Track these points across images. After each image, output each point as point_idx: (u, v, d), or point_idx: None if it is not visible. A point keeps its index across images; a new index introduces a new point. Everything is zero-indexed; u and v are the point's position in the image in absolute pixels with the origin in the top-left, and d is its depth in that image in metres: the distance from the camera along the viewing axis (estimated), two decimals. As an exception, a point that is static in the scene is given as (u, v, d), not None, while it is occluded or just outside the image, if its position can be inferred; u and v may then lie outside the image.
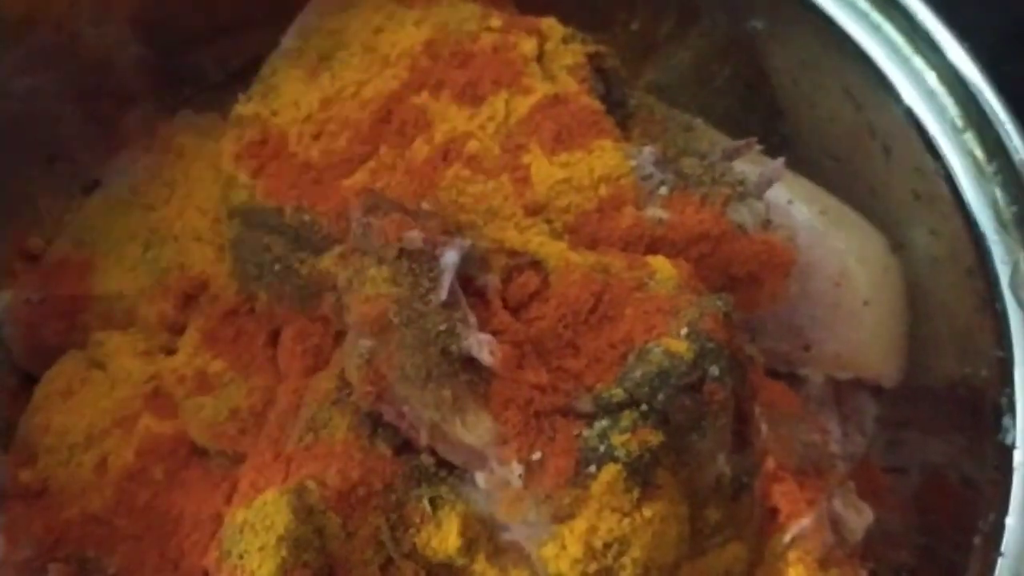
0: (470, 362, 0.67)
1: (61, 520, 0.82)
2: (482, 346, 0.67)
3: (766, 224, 0.79)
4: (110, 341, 0.86)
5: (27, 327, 0.88)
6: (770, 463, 0.77)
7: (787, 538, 0.77)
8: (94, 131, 0.97)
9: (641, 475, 0.67)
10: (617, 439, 0.67)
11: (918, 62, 0.84)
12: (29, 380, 0.88)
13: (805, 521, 0.77)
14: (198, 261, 0.87)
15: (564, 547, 0.68)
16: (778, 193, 0.84)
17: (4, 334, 0.89)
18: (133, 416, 0.82)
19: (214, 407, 0.81)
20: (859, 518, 0.81)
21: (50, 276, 0.89)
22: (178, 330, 0.86)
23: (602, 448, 0.67)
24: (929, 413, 0.88)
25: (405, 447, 0.72)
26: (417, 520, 0.71)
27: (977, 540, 0.77)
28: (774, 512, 0.77)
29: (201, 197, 0.89)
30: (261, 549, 0.69)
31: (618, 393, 0.68)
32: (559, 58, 0.83)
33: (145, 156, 0.94)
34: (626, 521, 0.67)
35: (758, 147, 0.83)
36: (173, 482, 0.81)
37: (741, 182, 0.79)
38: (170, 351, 0.85)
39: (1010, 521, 0.74)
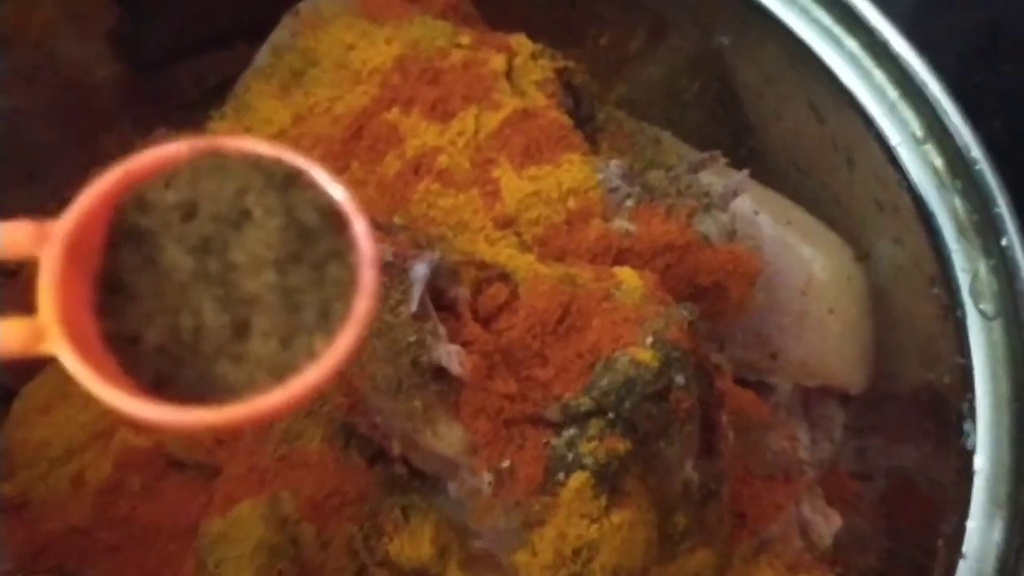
0: (440, 373, 0.68)
1: (41, 533, 0.82)
2: (452, 357, 0.68)
3: (731, 235, 0.80)
4: (88, 356, 0.86)
5: (5, 343, 0.89)
6: (739, 470, 0.78)
7: (756, 544, 0.78)
8: (72, 149, 0.98)
9: (609, 482, 0.68)
10: (585, 447, 0.68)
11: (879, 76, 0.85)
12: (8, 395, 0.89)
13: (774, 527, 0.78)
14: (175, 276, 0.88)
15: (535, 553, 0.69)
16: (745, 204, 0.85)
17: (-18, 350, 0.89)
18: (110, 429, 0.83)
19: (191, 419, 0.82)
20: (827, 524, 0.82)
21: (28, 292, 0.89)
22: (156, 344, 0.87)
23: (570, 456, 0.68)
24: (894, 419, 0.89)
25: (378, 457, 0.73)
26: (390, 529, 0.72)
27: (940, 543, 0.78)
28: (743, 518, 0.78)
29: (176, 213, 0.90)
30: (237, 558, 0.70)
31: (586, 402, 0.69)
32: (528, 74, 0.84)
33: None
34: (595, 527, 0.68)
35: (723, 159, 0.84)
36: (150, 494, 0.81)
37: (707, 194, 0.80)
38: (148, 365, 0.86)
39: (971, 524, 0.75)
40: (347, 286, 0.50)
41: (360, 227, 0.50)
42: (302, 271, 0.50)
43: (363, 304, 0.49)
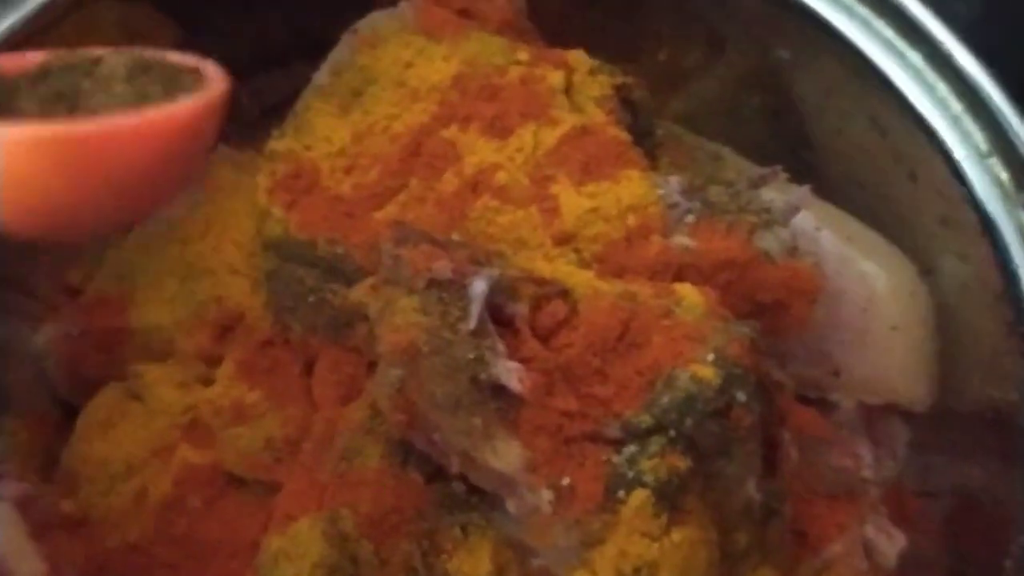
0: (499, 390, 0.68)
1: (102, 550, 0.83)
2: (511, 374, 0.68)
3: (792, 251, 0.79)
4: (149, 373, 0.87)
5: (68, 360, 0.89)
6: (801, 488, 0.77)
7: (819, 563, 0.77)
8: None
9: (669, 500, 0.68)
10: (645, 464, 0.68)
11: (942, 88, 0.84)
12: (71, 412, 0.89)
13: (837, 546, 0.77)
14: (234, 294, 0.88)
15: (594, 572, 0.68)
16: (805, 220, 0.84)
17: (46, 367, 0.90)
18: (171, 446, 0.84)
19: (250, 437, 0.82)
20: (891, 543, 0.81)
21: (90, 310, 0.90)
22: (215, 361, 0.87)
23: (631, 473, 0.68)
24: (959, 437, 0.88)
25: (436, 474, 0.72)
26: (449, 546, 0.71)
27: (1008, 564, 0.77)
28: (805, 537, 0.77)
29: (237, 231, 0.90)
30: (296, 576, 0.70)
31: (646, 419, 0.68)
32: (586, 90, 0.84)
33: (183, 191, 0.95)
34: (655, 546, 0.68)
35: (784, 175, 0.83)
36: (210, 511, 0.82)
37: (767, 210, 0.79)
38: (207, 382, 0.86)
39: (1040, 544, 0.75)
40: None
41: (209, 68, 0.59)
42: (151, 83, 0.53)
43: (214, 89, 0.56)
